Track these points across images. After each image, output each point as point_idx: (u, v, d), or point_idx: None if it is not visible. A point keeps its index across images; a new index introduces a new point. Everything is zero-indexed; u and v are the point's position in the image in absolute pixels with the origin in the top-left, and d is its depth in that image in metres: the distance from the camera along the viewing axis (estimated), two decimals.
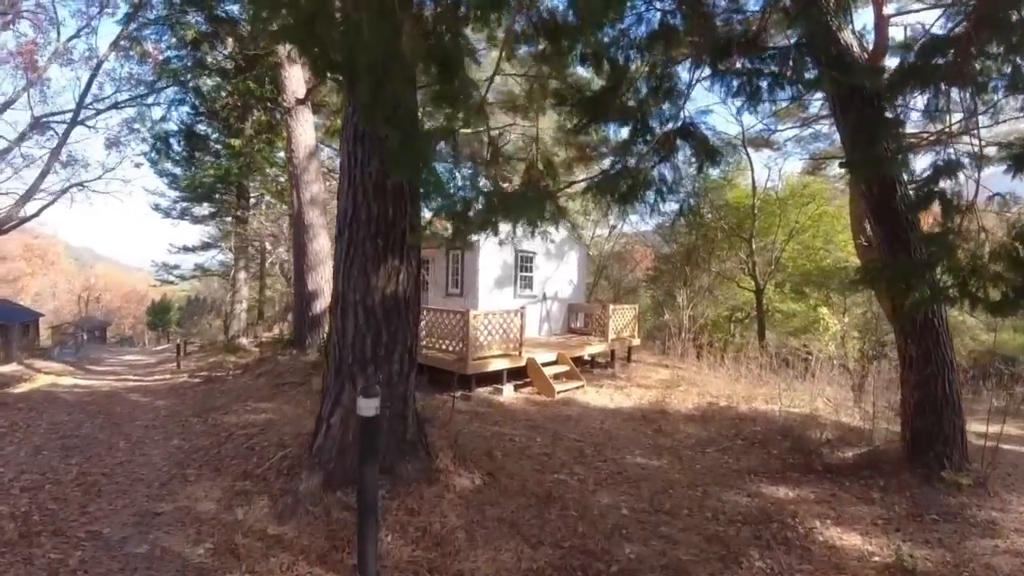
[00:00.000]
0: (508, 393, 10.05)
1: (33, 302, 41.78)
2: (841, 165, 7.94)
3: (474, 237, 5.26)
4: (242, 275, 24.56)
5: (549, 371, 10.55)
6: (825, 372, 10.97)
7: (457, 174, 4.67)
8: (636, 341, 14.04)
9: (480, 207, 4.34)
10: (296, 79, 10.78)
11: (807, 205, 20.62)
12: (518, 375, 10.56)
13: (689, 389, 10.66)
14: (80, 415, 9.35)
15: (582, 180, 5.45)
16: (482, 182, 4.50)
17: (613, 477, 6.01)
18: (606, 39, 5.28)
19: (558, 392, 10.08)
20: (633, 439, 7.56)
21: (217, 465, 6.10)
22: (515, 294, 13.93)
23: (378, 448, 3.62)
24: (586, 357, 12.99)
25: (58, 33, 18.39)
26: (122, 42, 18.55)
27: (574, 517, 4.81)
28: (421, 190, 4.43)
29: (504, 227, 4.66)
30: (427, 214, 6.28)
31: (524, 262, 14.27)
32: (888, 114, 5.78)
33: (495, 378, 10.19)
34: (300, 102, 10.78)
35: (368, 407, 3.60)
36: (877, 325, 16.16)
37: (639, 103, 5.30)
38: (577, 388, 10.58)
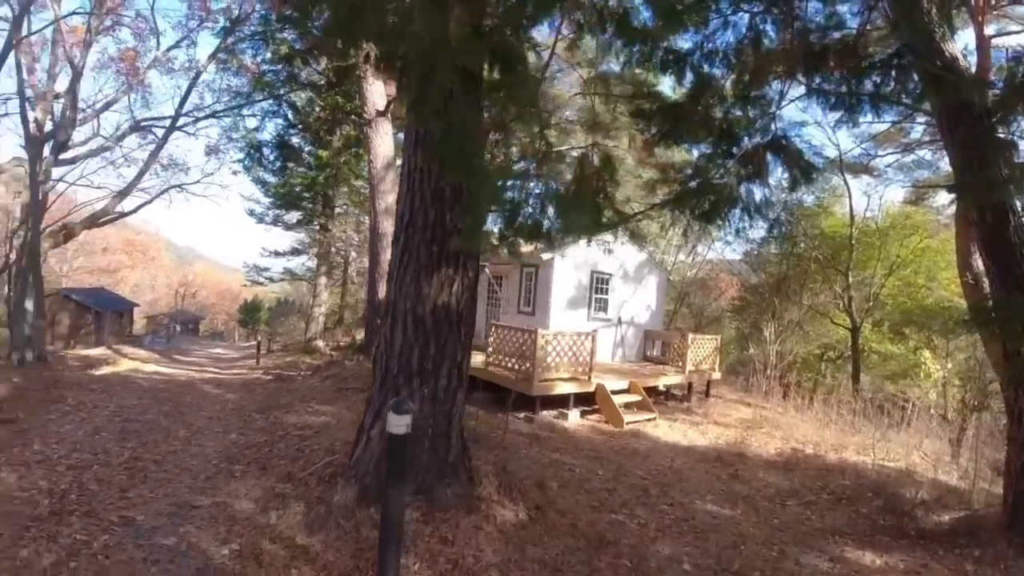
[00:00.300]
0: (573, 419, 9.58)
1: (131, 293, 45.00)
2: (950, 189, 7.08)
3: (524, 245, 4.88)
4: (323, 280, 25.40)
5: (619, 399, 9.99)
6: (923, 422, 9.81)
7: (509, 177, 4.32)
8: (716, 375, 13.17)
9: (530, 210, 3.98)
10: (378, 92, 10.98)
11: (909, 237, 19.00)
12: (586, 401, 10.05)
13: (772, 432, 9.77)
14: (149, 401, 9.68)
15: (658, 204, 4.99)
16: (532, 184, 4.13)
17: (678, 524, 5.42)
18: (688, 44, 4.85)
19: (627, 423, 9.49)
20: (705, 482, 6.89)
21: (265, 464, 6.04)
22: (589, 316, 13.47)
23: (405, 470, 3.31)
24: (661, 388, 12.28)
25: (158, 42, 19.43)
26: (220, 55, 19.53)
27: (627, 568, 4.28)
28: (470, 189, 4.09)
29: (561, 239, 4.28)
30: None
31: (599, 283, 13.80)
32: (1000, 133, 5.03)
33: (561, 402, 9.75)
34: (380, 114, 10.97)
35: (398, 424, 3.31)
36: (981, 373, 14.56)
37: (724, 112, 4.81)
38: (648, 420, 9.94)
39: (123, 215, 20.49)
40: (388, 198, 11.76)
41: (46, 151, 14.98)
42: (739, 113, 4.88)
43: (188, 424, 8.03)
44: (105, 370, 14.10)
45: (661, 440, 8.90)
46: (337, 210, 24.90)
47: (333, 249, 25.78)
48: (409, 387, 4.71)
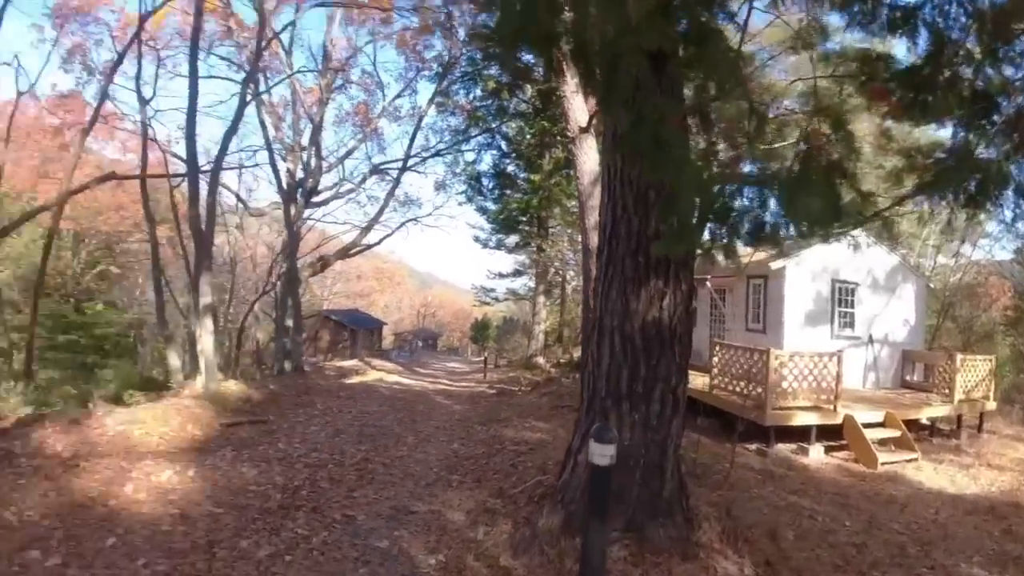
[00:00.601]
0: (815, 455, 8.36)
1: (381, 313, 51.82)
2: None
3: (743, 249, 4.23)
4: (542, 299, 26.36)
5: (872, 434, 8.45)
6: None
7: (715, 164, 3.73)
8: (991, 404, 10.54)
9: (746, 202, 3.37)
10: (579, 108, 10.98)
11: None
12: (830, 434, 8.69)
13: None
14: (387, 408, 10.71)
15: (913, 189, 4.02)
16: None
17: None
18: None
19: (881, 463, 8.00)
20: (974, 541, 5.49)
21: (480, 476, 6.21)
22: (832, 334, 11.76)
23: (609, 503, 3.01)
24: (924, 421, 10.17)
25: (383, 94, 22.95)
26: (437, 99, 22.22)
27: None
28: (671, 185, 3.59)
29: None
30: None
31: (843, 295, 11.99)
32: None
33: (801, 434, 8.58)
34: (583, 130, 10.92)
35: (601, 454, 3.06)
36: None
37: (974, 74, 3.71)
38: (908, 461, 8.26)
39: (369, 247, 23.98)
40: (596, 214, 11.53)
41: (298, 196, 18.08)
42: (991, 72, 3.77)
43: (417, 431, 8.69)
44: (355, 379, 16.18)
45: (924, 486, 7.37)
46: (551, 231, 25.75)
47: (552, 269, 26.64)
48: (618, 411, 4.38)
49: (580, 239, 14.71)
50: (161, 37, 18.58)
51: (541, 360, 22.29)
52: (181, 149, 17.18)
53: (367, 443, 7.59)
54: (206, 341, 10.57)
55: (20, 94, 17.85)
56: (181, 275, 19.87)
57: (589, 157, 11.10)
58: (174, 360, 15.31)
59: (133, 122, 19.09)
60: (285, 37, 18.39)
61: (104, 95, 17.13)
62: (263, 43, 14.78)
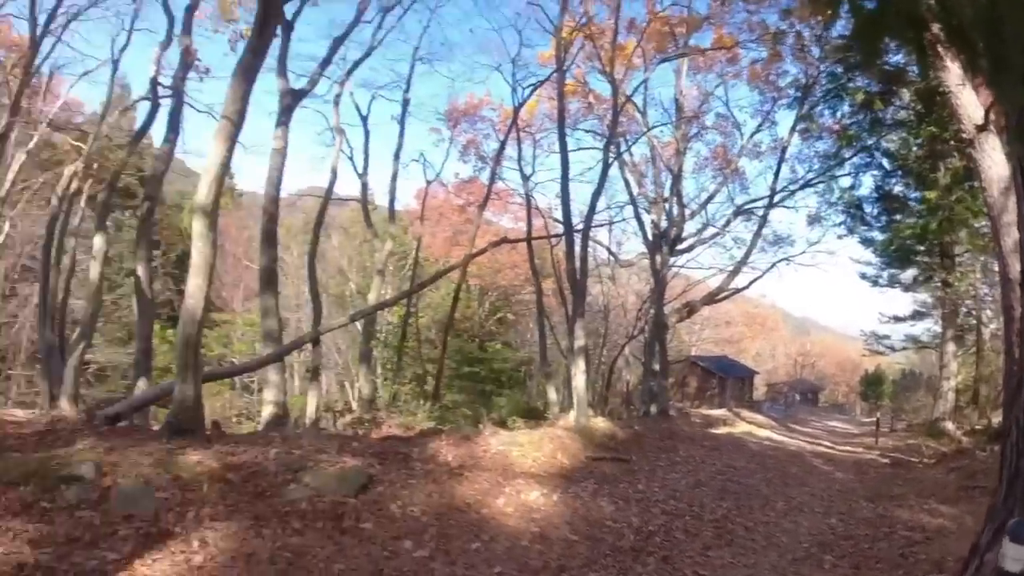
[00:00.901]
0: None
1: (752, 361, 48.80)
2: None
3: None
4: (951, 347, 21.21)
5: None
6: None
7: None
8: None
9: None
10: (970, 103, 8.73)
11: None
12: None
13: None
14: (755, 466, 10.06)
15: None
16: None
17: None
18: None
19: None
20: None
21: (859, 562, 5.35)
22: None
23: None
24: None
25: (740, 132, 22.11)
26: (798, 125, 20.46)
27: None
28: None
29: None
30: None
31: None
32: None
33: None
34: (981, 128, 8.58)
35: (1016, 558, 2.36)
36: None
37: None
38: None
39: (737, 291, 23.26)
40: (1014, 231, 8.84)
41: (663, 245, 18.87)
42: None
43: (788, 497, 7.94)
44: (722, 430, 15.64)
45: None
46: (958, 259, 20.76)
47: (963, 309, 21.46)
48: None
49: (996, 267, 11.63)
50: (534, 123, 22.73)
51: (950, 425, 18.14)
52: (559, 214, 19.92)
53: (729, 500, 7.25)
54: (579, 379, 11.75)
55: (429, 183, 23.46)
56: (562, 321, 22.57)
57: (994, 160, 8.81)
58: (552, 394, 17.47)
59: (519, 195, 23.50)
60: (638, 99, 19.77)
61: (493, 176, 21.57)
62: (618, 109, 16.13)
